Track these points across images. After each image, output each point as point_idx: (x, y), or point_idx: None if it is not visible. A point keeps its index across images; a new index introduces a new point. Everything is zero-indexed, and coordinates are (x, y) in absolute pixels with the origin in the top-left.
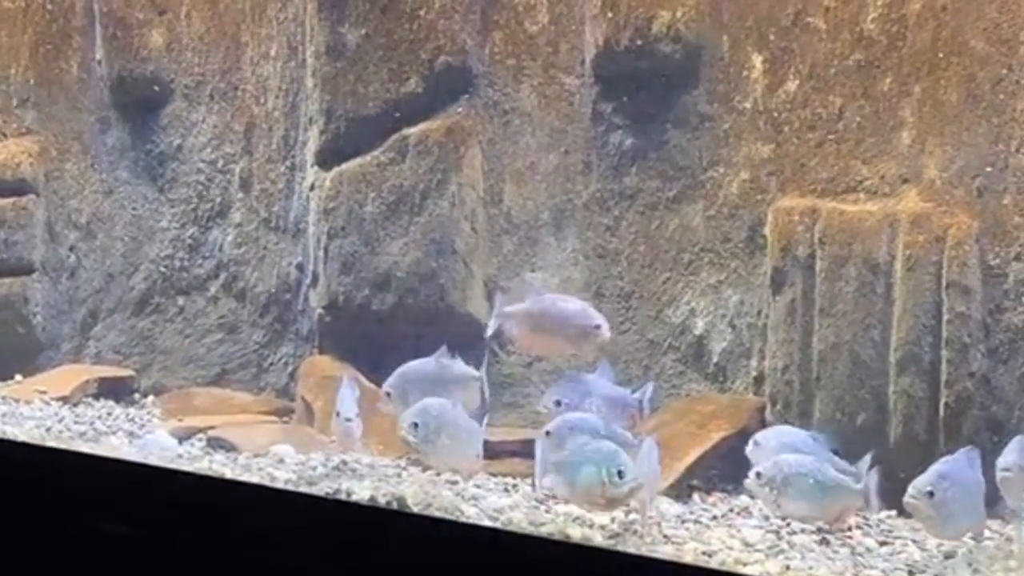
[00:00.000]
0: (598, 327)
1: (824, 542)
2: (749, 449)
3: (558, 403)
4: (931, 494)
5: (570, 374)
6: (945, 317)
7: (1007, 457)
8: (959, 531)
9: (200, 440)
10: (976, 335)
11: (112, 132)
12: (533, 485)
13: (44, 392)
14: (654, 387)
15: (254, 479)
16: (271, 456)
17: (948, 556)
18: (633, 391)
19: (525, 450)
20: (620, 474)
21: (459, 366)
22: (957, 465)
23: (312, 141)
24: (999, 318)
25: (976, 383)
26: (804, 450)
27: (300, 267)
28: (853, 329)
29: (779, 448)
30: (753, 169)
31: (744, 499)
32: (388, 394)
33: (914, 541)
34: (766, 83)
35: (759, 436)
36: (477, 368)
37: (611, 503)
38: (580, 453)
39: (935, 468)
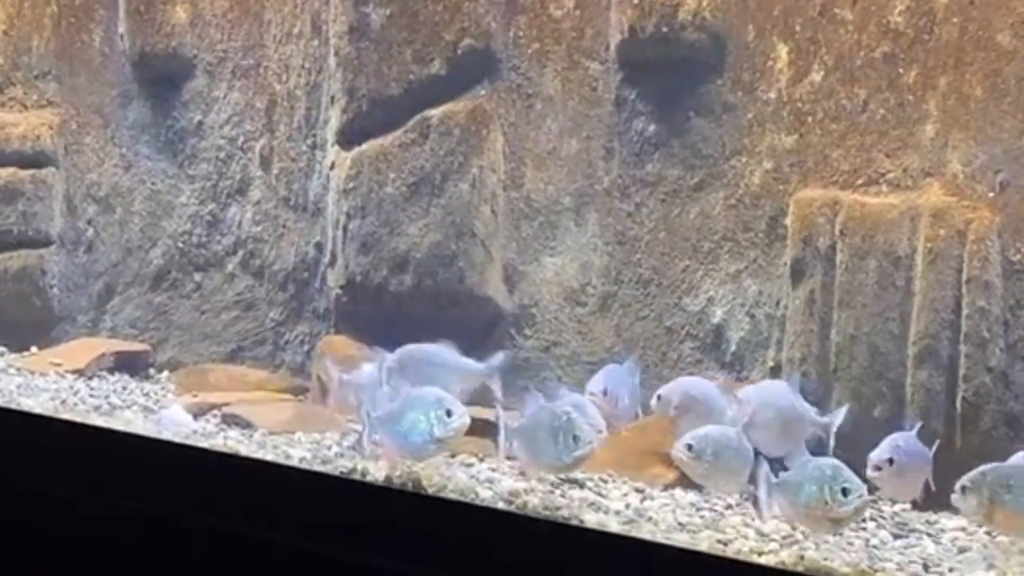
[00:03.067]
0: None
1: None
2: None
3: (605, 392)
4: (891, 461)
5: (613, 366)
6: (964, 311)
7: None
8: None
9: (215, 416)
10: (995, 330)
11: (133, 107)
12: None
13: (59, 365)
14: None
15: (269, 456)
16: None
17: (962, 550)
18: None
19: None
20: (844, 492)
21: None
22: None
23: (333, 120)
24: (1019, 314)
25: (994, 378)
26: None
27: (318, 246)
28: (872, 321)
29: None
30: (776, 159)
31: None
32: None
33: (929, 535)
34: (791, 73)
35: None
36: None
37: (836, 523)
38: (802, 471)
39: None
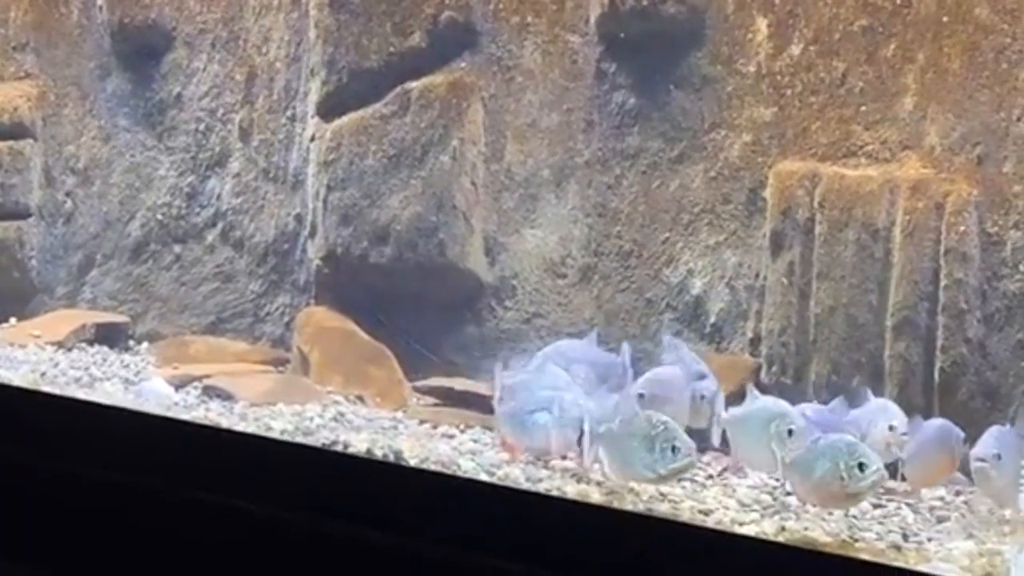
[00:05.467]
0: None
1: None
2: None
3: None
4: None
5: (559, 343)
6: (942, 283)
7: (983, 447)
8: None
9: (196, 388)
10: (973, 302)
11: (112, 79)
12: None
13: (39, 336)
14: (630, 349)
15: (251, 429)
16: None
17: (941, 520)
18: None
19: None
20: (861, 467)
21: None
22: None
23: (313, 92)
24: (996, 285)
25: (972, 349)
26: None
27: (299, 218)
28: (850, 293)
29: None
30: (755, 132)
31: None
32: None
33: (908, 504)
34: (770, 46)
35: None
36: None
37: (852, 498)
38: (813, 448)
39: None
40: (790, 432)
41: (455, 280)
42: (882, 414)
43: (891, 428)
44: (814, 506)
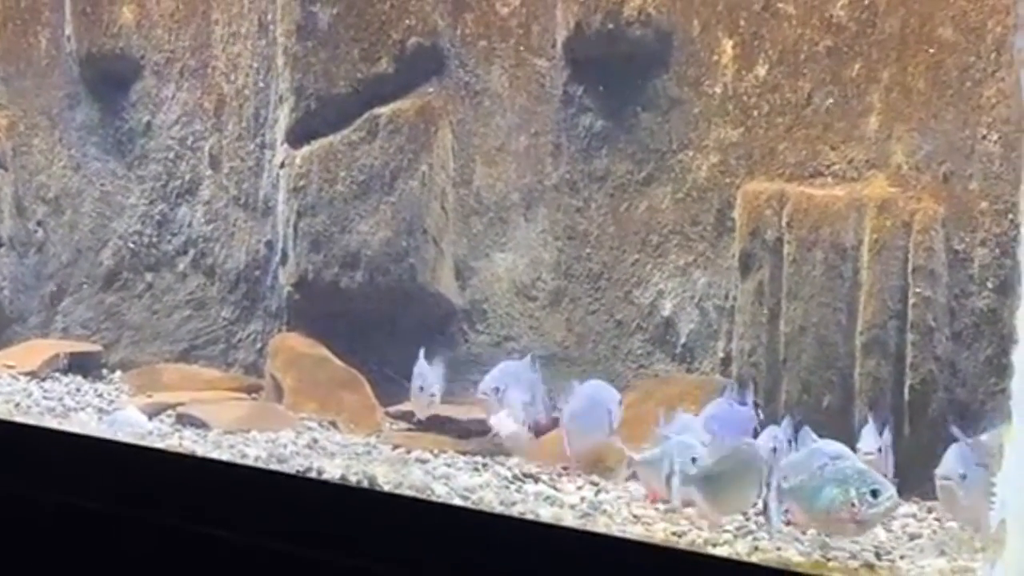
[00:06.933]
0: None
1: None
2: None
3: (497, 390)
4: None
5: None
6: (911, 301)
7: (947, 467)
8: None
9: (169, 416)
10: (941, 319)
11: (81, 108)
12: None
13: (12, 367)
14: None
15: (224, 456)
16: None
17: (913, 537)
18: None
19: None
20: (875, 493)
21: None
22: None
23: (282, 119)
24: (964, 303)
25: (941, 366)
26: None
27: (269, 245)
28: (820, 312)
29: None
30: (722, 153)
31: None
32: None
33: (879, 523)
34: (736, 67)
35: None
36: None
37: (862, 526)
38: (820, 474)
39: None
40: (693, 460)
41: (426, 304)
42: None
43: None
44: (821, 530)
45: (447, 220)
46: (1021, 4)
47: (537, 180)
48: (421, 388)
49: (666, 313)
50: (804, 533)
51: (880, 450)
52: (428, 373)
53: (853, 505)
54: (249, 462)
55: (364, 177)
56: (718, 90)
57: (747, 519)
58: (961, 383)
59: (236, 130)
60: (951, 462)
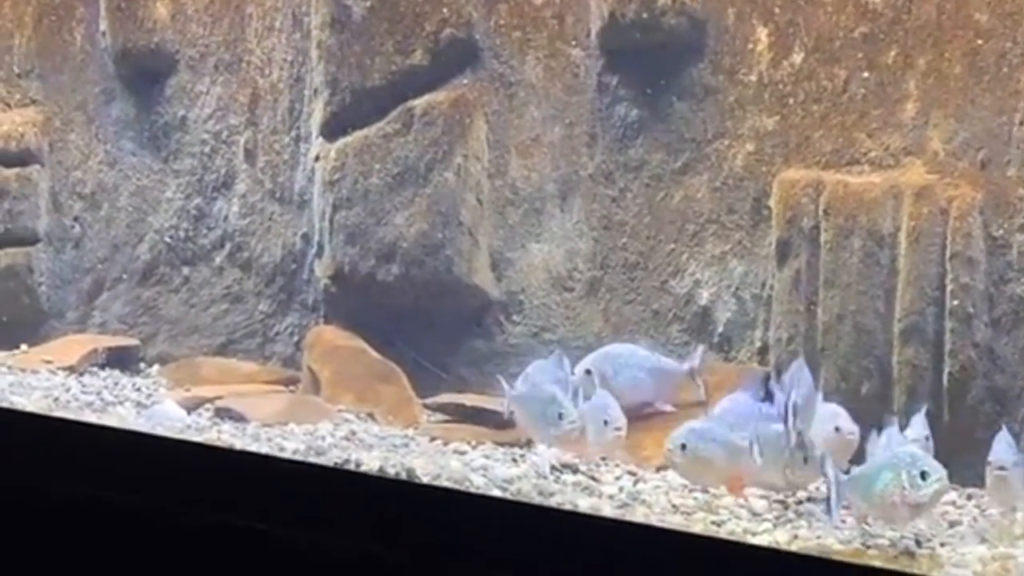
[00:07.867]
0: None
1: None
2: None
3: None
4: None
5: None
6: (949, 288)
7: (1001, 454)
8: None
9: (208, 410)
10: (980, 306)
11: (116, 103)
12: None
13: (50, 362)
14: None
15: (263, 449)
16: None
17: (953, 524)
18: None
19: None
20: (924, 475)
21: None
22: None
23: (317, 113)
24: (1003, 289)
25: (979, 353)
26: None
27: (305, 238)
28: (857, 300)
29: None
30: (758, 141)
31: None
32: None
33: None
34: (771, 55)
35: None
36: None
37: (915, 509)
38: (874, 463)
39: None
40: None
41: (462, 296)
42: (831, 418)
43: (837, 430)
44: (875, 518)
45: (482, 212)
46: None
47: (572, 170)
48: (606, 422)
49: (703, 302)
50: (868, 524)
51: (927, 438)
52: (613, 405)
53: (904, 488)
54: (287, 455)
55: (399, 169)
56: (753, 78)
57: (786, 508)
58: (1000, 370)
59: (271, 124)
60: (1004, 450)
